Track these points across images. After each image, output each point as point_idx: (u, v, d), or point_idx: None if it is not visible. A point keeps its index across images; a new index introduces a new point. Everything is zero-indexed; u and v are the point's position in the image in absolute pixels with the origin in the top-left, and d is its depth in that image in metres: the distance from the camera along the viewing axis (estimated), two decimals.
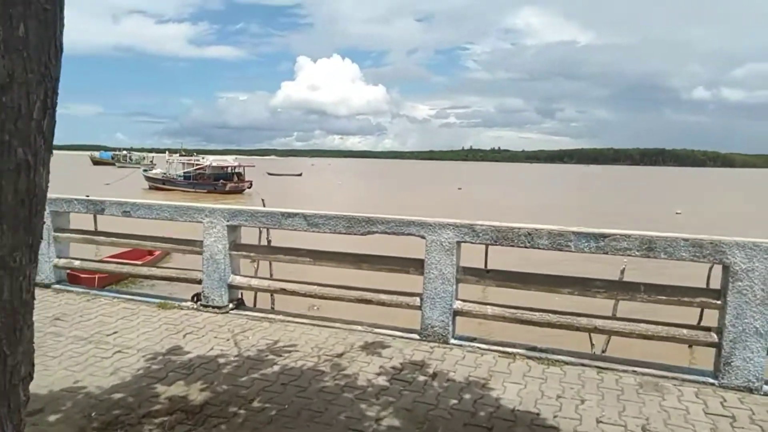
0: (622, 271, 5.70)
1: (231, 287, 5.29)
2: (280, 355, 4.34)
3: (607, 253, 4.06)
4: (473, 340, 4.58)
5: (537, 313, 4.32)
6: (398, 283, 4.93)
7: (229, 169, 45.37)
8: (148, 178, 47.57)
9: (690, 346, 5.75)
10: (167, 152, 51.49)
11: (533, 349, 4.38)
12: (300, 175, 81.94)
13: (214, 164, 44.86)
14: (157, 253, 13.14)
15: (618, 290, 4.22)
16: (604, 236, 4.03)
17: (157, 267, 6.55)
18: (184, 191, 42.72)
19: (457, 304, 4.54)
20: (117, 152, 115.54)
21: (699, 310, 4.06)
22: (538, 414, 3.42)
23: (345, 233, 4.80)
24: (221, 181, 42.79)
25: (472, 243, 4.47)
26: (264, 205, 7.39)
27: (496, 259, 4.80)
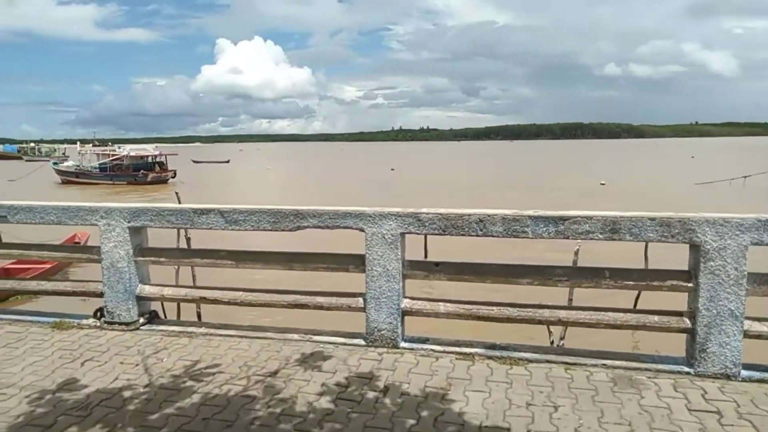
0: (576, 252, 5.37)
1: (140, 299, 4.49)
2: (202, 380, 3.64)
3: (567, 238, 3.64)
4: (426, 341, 4.07)
5: (495, 308, 3.86)
6: (337, 283, 4.33)
7: (150, 158, 42.64)
8: (59, 172, 43.84)
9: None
10: (78, 143, 47.59)
11: (493, 347, 3.93)
12: (227, 161, 78.88)
13: (132, 154, 42.02)
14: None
15: (580, 277, 3.82)
16: (563, 219, 3.60)
17: (49, 280, 5.58)
18: (101, 184, 39.79)
19: (406, 303, 4.01)
20: (24, 145, 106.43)
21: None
22: (508, 429, 2.96)
23: (271, 230, 4.12)
24: (142, 171, 40.13)
25: (417, 234, 3.93)
26: (179, 200, 6.54)
27: (446, 248, 4.30)
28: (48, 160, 58.04)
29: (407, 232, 3.94)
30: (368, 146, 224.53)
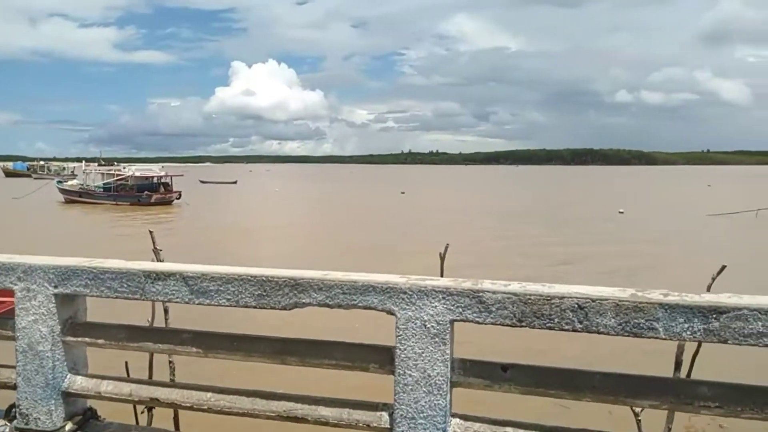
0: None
1: (68, 395, 3.15)
2: None
3: (726, 342, 2.28)
4: None
5: None
6: (352, 387, 2.98)
7: (155, 178, 41.75)
8: (63, 191, 43.06)
9: None
10: (83, 162, 46.74)
11: None
12: (235, 182, 78.19)
13: (137, 174, 41.17)
14: None
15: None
16: (718, 311, 2.24)
17: None
18: (104, 204, 38.86)
19: (455, 426, 2.64)
20: (34, 162, 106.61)
21: None
22: None
23: (255, 307, 2.79)
24: (146, 192, 39.22)
25: (478, 323, 2.59)
26: (153, 242, 5.23)
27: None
28: (55, 178, 57.49)
29: (461, 320, 2.59)
30: (377, 168, 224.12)
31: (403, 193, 55.34)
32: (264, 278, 2.76)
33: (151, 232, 4.99)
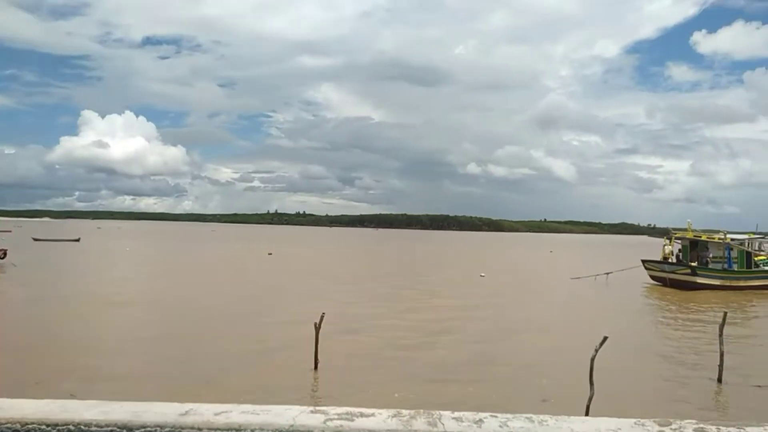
0: None
1: None
2: None
3: None
4: None
5: None
6: None
7: None
8: None
9: None
10: None
11: None
12: (77, 240, 69.60)
13: None
14: None
15: None
16: None
17: None
18: None
19: None
20: None
21: None
22: None
23: None
24: None
25: None
26: None
27: None
28: None
29: None
30: (242, 228, 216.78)
31: (270, 253, 53.15)
32: (76, 427, 1.65)
33: None
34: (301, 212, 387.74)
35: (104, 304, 20.72)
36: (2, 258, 34.90)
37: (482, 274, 36.64)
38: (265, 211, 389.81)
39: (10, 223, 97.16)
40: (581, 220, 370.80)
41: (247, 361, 12.57)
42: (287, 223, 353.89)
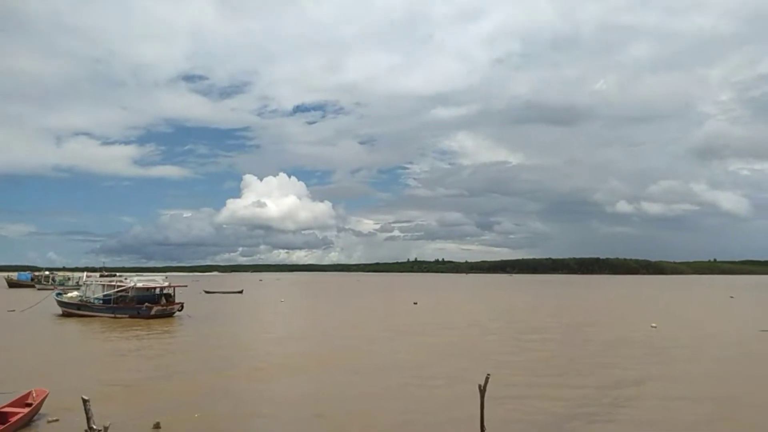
0: None
1: None
2: None
3: None
4: None
5: None
6: None
7: (158, 289, 39.88)
8: (61, 303, 41.03)
9: None
10: (85, 273, 45.24)
11: None
12: (241, 292, 76.11)
13: (139, 285, 39.25)
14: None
15: None
16: None
17: None
18: (102, 317, 36.76)
19: None
20: (39, 273, 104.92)
21: None
22: None
23: None
24: (146, 304, 37.20)
25: None
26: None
27: None
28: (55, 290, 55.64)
29: None
30: (384, 276, 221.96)
31: (415, 303, 52.99)
32: None
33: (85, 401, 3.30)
34: (440, 259, 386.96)
35: (267, 346, 21.57)
36: (180, 310, 38.86)
37: (653, 325, 32.56)
38: (405, 260, 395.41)
39: (187, 278, 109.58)
40: (762, 259, 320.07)
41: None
42: (427, 271, 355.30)
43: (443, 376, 17.29)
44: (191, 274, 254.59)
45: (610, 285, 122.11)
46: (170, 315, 37.75)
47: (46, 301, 43.24)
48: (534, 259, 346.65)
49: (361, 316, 42.28)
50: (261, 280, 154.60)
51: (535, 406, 13.39)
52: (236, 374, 17.83)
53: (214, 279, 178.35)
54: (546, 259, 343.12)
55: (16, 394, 12.14)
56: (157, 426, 11.22)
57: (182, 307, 39.05)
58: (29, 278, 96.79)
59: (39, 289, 71.44)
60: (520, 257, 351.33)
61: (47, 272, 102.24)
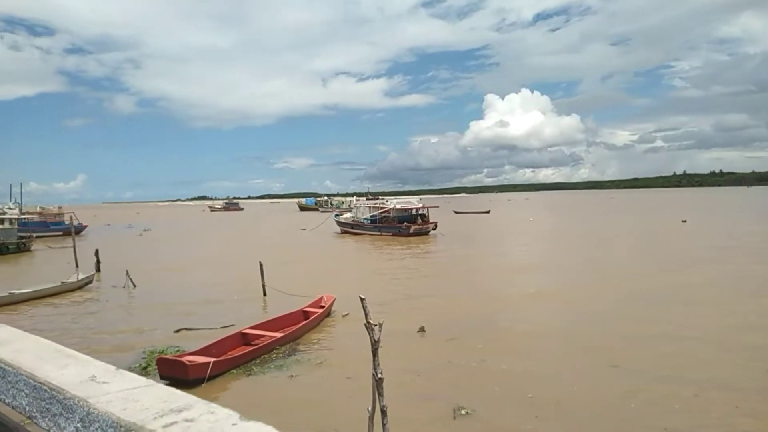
0: None
1: None
2: None
3: None
4: None
5: None
6: None
7: (414, 210, 43.51)
8: (339, 223, 48.37)
9: None
10: (354, 197, 51.83)
11: None
12: (488, 212, 77.89)
13: (398, 206, 43.51)
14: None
15: None
16: None
17: None
18: (371, 235, 42.02)
19: None
20: (320, 198, 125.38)
21: None
22: None
23: None
24: (405, 223, 41.04)
25: None
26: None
27: None
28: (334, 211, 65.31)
29: None
30: (644, 193, 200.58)
31: (684, 221, 46.85)
32: None
33: None
34: (718, 171, 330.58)
35: (517, 261, 21.68)
36: (434, 229, 41.76)
37: None
38: (671, 173, 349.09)
39: (439, 200, 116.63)
40: None
41: None
42: (699, 185, 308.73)
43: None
44: (441, 196, 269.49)
45: None
46: (426, 233, 40.89)
47: (327, 222, 51.30)
48: None
49: (626, 238, 39.25)
50: (509, 200, 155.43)
51: None
52: (496, 297, 18.33)
53: (463, 200, 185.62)
54: None
55: (312, 298, 14.75)
56: (422, 329, 12.43)
57: (436, 226, 41.90)
58: (314, 203, 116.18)
59: (322, 212, 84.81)
60: None
61: (326, 197, 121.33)
